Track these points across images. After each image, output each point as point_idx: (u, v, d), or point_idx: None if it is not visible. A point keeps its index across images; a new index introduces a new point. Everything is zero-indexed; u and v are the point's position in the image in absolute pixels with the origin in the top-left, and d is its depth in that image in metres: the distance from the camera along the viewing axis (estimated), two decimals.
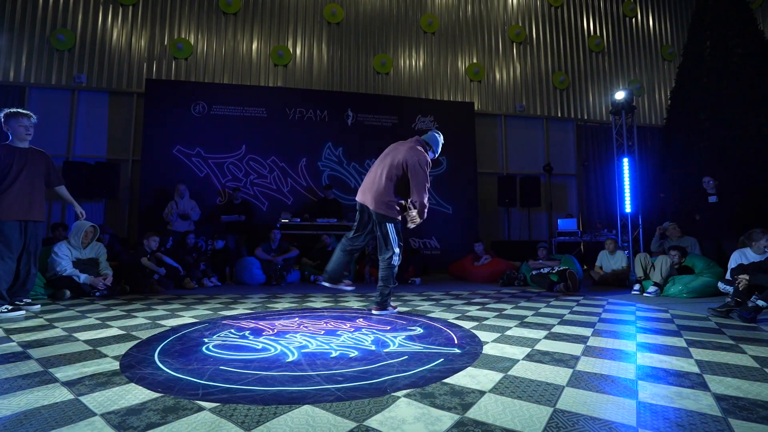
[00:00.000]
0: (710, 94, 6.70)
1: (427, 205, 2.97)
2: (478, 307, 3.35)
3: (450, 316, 2.88)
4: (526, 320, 2.72)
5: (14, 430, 1.08)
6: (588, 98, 9.42)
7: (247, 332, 2.29)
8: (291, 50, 8.01)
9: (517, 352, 1.90)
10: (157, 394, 1.33)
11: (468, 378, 1.52)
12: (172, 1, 7.66)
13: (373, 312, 2.99)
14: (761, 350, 1.93)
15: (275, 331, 2.34)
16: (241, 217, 6.13)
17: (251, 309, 3.19)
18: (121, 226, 6.95)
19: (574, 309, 3.23)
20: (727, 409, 1.23)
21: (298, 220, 6.22)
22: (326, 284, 3.21)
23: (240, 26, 7.87)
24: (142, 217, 6.60)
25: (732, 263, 3.35)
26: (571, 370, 1.60)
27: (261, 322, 2.59)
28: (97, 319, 2.72)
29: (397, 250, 2.97)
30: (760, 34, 6.90)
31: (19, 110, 3.16)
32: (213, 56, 7.71)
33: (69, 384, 1.42)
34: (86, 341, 2.08)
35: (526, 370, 1.62)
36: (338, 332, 2.30)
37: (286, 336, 2.19)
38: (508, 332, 2.33)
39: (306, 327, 2.45)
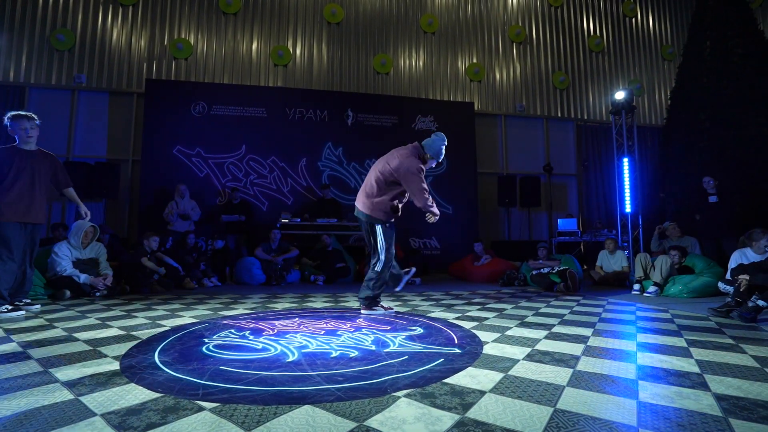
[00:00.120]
0: (710, 94, 6.70)
1: (433, 206, 3.01)
2: (478, 307, 3.35)
3: (450, 316, 2.87)
4: (526, 320, 2.72)
5: (14, 430, 1.08)
6: (588, 98, 9.42)
7: (248, 332, 2.29)
8: (291, 50, 8.01)
9: (518, 352, 1.90)
10: (157, 394, 1.33)
11: (468, 378, 1.52)
12: (172, 1, 7.66)
13: (362, 311, 3.03)
14: (762, 350, 1.93)
15: (275, 331, 2.34)
16: (242, 217, 6.14)
17: (251, 309, 3.19)
18: (121, 226, 6.95)
19: (575, 309, 3.23)
20: (727, 409, 1.23)
21: (298, 220, 6.22)
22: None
23: (240, 26, 7.87)
24: (142, 217, 6.60)
25: (732, 263, 3.35)
26: (571, 370, 1.60)
27: (261, 322, 2.58)
28: (97, 319, 2.72)
29: (383, 257, 3.01)
30: (760, 34, 6.90)
31: (19, 113, 3.17)
32: (213, 56, 7.71)
33: (69, 384, 1.42)
34: (86, 341, 2.07)
35: (526, 370, 1.62)
36: (338, 332, 2.30)
37: (287, 336, 2.19)
38: (509, 332, 2.33)
39: (306, 327, 2.45)
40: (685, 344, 2.05)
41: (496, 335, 2.25)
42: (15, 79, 6.87)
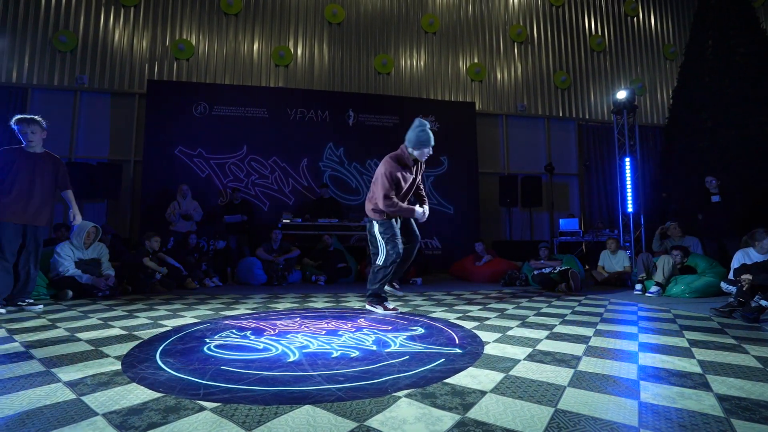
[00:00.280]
0: (712, 94, 6.69)
1: (398, 208, 2.96)
2: (479, 307, 3.35)
3: (451, 316, 2.87)
4: (527, 320, 2.72)
5: (17, 430, 1.08)
6: (589, 98, 9.40)
7: (249, 332, 2.30)
8: (292, 51, 8.02)
9: (519, 352, 1.89)
10: (158, 394, 1.34)
11: (469, 378, 1.51)
12: (174, 2, 7.68)
13: (366, 306, 3.13)
14: (764, 350, 1.92)
15: (276, 331, 2.34)
16: (244, 216, 6.15)
17: (253, 309, 3.20)
18: (123, 227, 6.97)
19: (576, 309, 3.22)
20: (729, 409, 1.23)
21: (300, 220, 6.23)
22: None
23: (241, 27, 7.89)
24: (144, 218, 6.62)
25: (735, 263, 3.34)
26: (572, 371, 1.60)
27: (262, 323, 2.59)
28: (99, 319, 2.73)
29: (381, 253, 3.05)
30: (762, 33, 6.88)
31: (21, 117, 3.21)
32: (214, 57, 7.73)
33: (71, 384, 1.43)
34: (88, 341, 2.08)
35: (527, 370, 1.62)
36: (339, 332, 2.30)
37: (288, 336, 2.19)
38: (510, 332, 2.33)
39: (307, 327, 2.45)
40: (687, 344, 2.05)
41: (498, 335, 2.25)
42: (18, 80, 6.90)
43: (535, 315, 2.93)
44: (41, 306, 3.19)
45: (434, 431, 1.09)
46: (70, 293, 3.73)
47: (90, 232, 4.08)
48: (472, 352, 1.88)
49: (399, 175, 2.99)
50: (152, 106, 6.94)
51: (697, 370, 1.62)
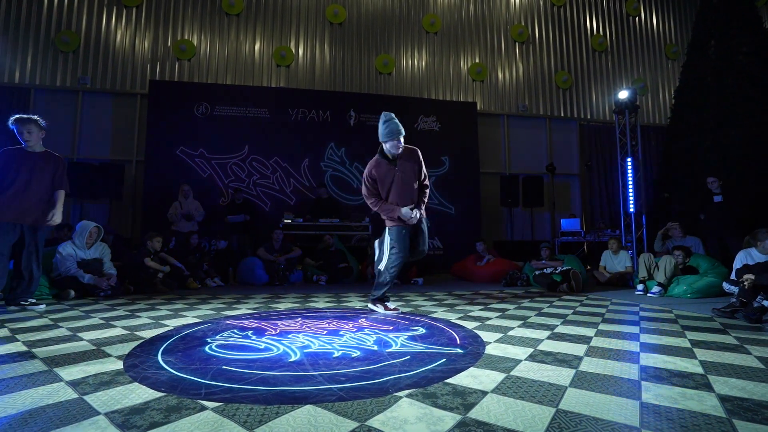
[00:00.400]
0: (715, 93, 6.67)
1: (380, 208, 3.07)
2: (480, 307, 3.35)
3: (452, 316, 2.87)
4: (528, 320, 2.71)
5: (19, 429, 1.09)
6: (591, 98, 9.39)
7: (250, 332, 2.30)
8: (293, 51, 8.03)
9: (520, 352, 1.89)
10: (160, 394, 1.34)
11: (470, 378, 1.51)
12: (175, 3, 7.70)
13: (368, 306, 3.15)
14: (766, 351, 1.92)
15: (278, 331, 2.34)
16: (246, 216, 6.15)
17: (254, 309, 3.20)
18: (125, 227, 6.99)
19: (578, 309, 3.22)
20: (731, 410, 1.23)
21: (301, 220, 6.23)
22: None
23: (243, 27, 7.90)
24: (146, 218, 6.63)
25: (737, 263, 3.33)
26: (573, 371, 1.60)
27: (264, 322, 2.59)
28: (101, 318, 2.74)
29: (384, 256, 3.09)
30: (765, 32, 6.85)
31: (19, 116, 3.21)
32: (216, 57, 7.74)
33: (73, 383, 1.43)
34: (90, 341, 2.09)
35: (528, 370, 1.61)
36: (341, 332, 2.30)
37: (289, 336, 2.20)
38: (511, 332, 2.33)
39: (308, 327, 2.45)
40: (688, 345, 2.04)
41: (499, 335, 2.25)
42: (20, 80, 6.93)
43: (536, 315, 2.93)
44: (43, 305, 3.20)
45: (435, 431, 1.09)
46: (72, 293, 3.75)
47: (92, 232, 4.09)
48: (474, 353, 1.88)
49: (375, 173, 3.04)
50: (154, 106, 6.95)
51: (699, 370, 1.61)
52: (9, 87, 6.82)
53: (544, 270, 4.94)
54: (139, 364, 1.68)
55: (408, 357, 1.79)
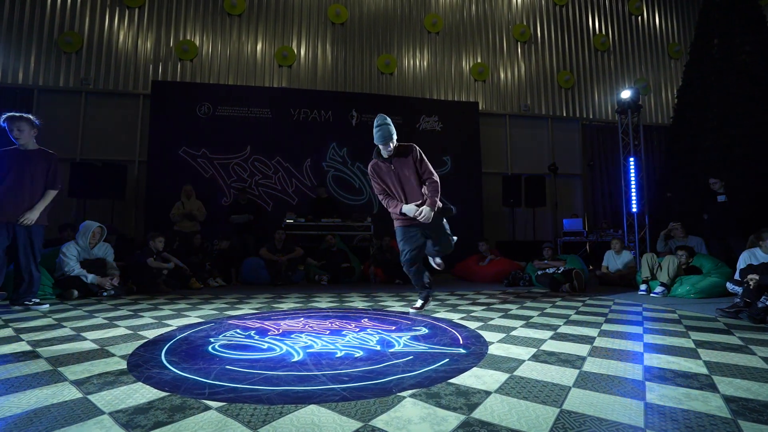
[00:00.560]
0: (717, 93, 6.64)
1: (389, 206, 3.13)
2: (483, 307, 3.34)
3: (455, 317, 2.87)
4: (531, 320, 2.71)
5: (25, 428, 1.09)
6: (593, 97, 9.36)
7: (253, 332, 2.30)
8: (295, 51, 8.03)
9: (523, 352, 1.89)
10: (164, 393, 1.34)
11: (473, 378, 1.51)
12: (178, 3, 7.72)
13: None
14: None
15: (280, 331, 2.34)
16: (250, 216, 6.15)
17: (256, 309, 3.21)
18: (128, 227, 7.01)
19: (580, 309, 3.21)
20: (736, 410, 1.22)
21: (303, 220, 6.23)
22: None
23: (245, 27, 7.92)
24: (148, 218, 6.65)
25: (741, 263, 3.32)
26: (577, 371, 1.59)
27: (266, 322, 2.60)
28: (105, 318, 2.75)
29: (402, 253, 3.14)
30: None
31: (10, 114, 3.16)
32: (218, 57, 7.76)
33: (77, 383, 1.44)
34: (94, 340, 2.10)
35: (531, 370, 1.61)
36: (343, 332, 2.30)
37: (292, 336, 2.20)
38: (514, 332, 2.32)
39: (311, 327, 2.46)
40: (692, 345, 2.03)
41: (502, 335, 2.24)
42: (24, 81, 6.96)
43: (539, 315, 2.92)
44: (47, 305, 3.21)
45: (439, 431, 1.09)
46: (76, 293, 3.76)
47: (95, 232, 4.11)
48: (477, 353, 1.88)
49: (377, 175, 3.13)
50: (156, 106, 6.97)
51: (704, 371, 1.61)
52: (13, 88, 6.86)
53: (547, 270, 4.93)
54: (142, 363, 1.69)
55: (411, 357, 1.79)
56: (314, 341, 2.08)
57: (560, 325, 2.53)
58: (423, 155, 3.06)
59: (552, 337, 2.19)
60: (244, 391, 1.36)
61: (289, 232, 5.97)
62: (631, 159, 6.52)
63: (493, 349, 1.94)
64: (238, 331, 2.34)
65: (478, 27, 8.94)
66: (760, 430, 1.10)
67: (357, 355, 1.83)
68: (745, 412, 1.21)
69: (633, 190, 6.49)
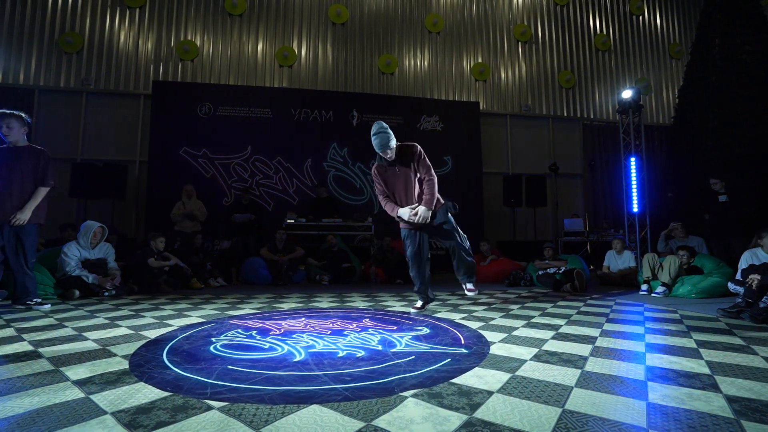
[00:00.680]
0: (719, 93, 6.63)
1: (387, 209, 3.13)
2: (484, 307, 3.34)
3: (456, 316, 2.87)
4: (533, 320, 2.71)
5: (27, 428, 1.09)
6: (594, 97, 9.36)
7: (254, 332, 2.30)
8: (296, 51, 8.04)
9: (525, 352, 1.89)
10: (166, 393, 1.34)
11: (475, 378, 1.51)
12: (178, 3, 7.72)
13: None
14: None
15: (282, 330, 2.34)
16: (252, 216, 6.15)
17: (258, 309, 3.21)
18: (129, 227, 7.02)
19: (582, 309, 3.21)
20: (739, 410, 1.22)
21: (304, 220, 6.24)
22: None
23: (245, 27, 7.92)
24: (149, 218, 6.65)
25: (743, 263, 3.31)
26: (579, 371, 1.59)
27: (268, 322, 2.60)
28: (106, 318, 2.75)
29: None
30: None
31: None
32: (219, 57, 7.76)
33: (80, 383, 1.44)
34: (96, 340, 2.10)
35: (533, 370, 1.61)
36: (345, 332, 2.30)
37: (293, 336, 2.20)
38: (515, 332, 2.32)
39: (312, 327, 2.46)
40: (694, 345, 2.03)
41: (503, 335, 2.24)
42: (25, 81, 6.96)
43: (540, 315, 2.92)
44: (48, 305, 3.21)
45: (442, 431, 1.09)
46: (77, 293, 3.76)
47: (96, 232, 4.11)
48: (478, 352, 1.88)
49: (380, 177, 3.11)
50: (157, 106, 6.98)
51: (706, 371, 1.61)
52: (14, 88, 6.86)
53: (548, 270, 4.92)
54: (144, 363, 1.69)
55: (413, 357, 1.79)
56: (316, 341, 2.08)
57: (562, 325, 2.53)
58: (423, 154, 3.08)
59: (554, 337, 2.19)
60: (246, 391, 1.36)
61: (290, 232, 5.97)
62: (632, 159, 6.52)
63: (494, 349, 1.94)
64: (239, 331, 2.34)
65: (478, 27, 8.94)
66: (763, 430, 1.10)
67: (359, 355, 1.83)
68: (747, 412, 1.21)
69: (634, 190, 6.49)
